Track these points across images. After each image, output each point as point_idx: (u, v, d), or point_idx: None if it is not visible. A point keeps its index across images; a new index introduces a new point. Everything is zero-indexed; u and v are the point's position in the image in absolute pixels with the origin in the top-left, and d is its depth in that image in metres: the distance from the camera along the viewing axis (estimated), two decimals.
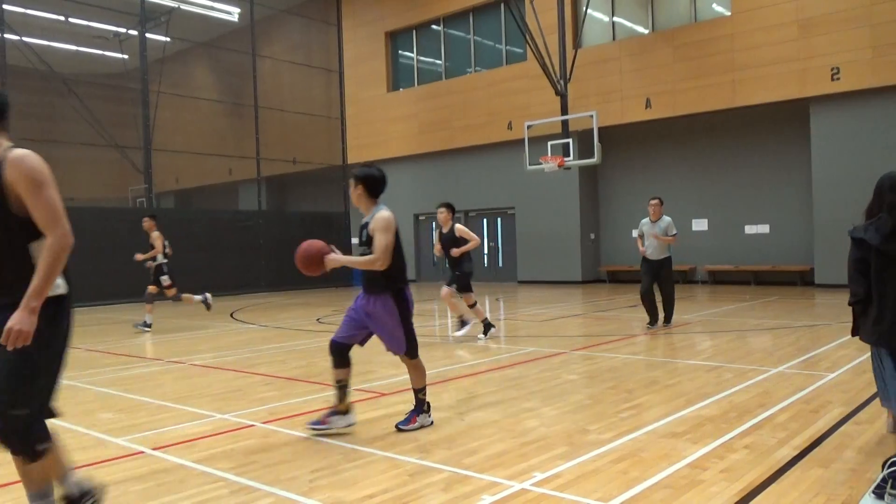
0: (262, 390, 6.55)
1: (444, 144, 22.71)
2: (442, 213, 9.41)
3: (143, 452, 4.51)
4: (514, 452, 4.26)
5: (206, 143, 23.51)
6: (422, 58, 24.02)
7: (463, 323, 9.65)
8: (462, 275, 9.37)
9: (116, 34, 23.11)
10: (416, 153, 23.49)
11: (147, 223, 11.91)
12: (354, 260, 4.76)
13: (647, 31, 19.12)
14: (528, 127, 17.22)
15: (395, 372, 7.20)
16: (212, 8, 22.35)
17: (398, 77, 24.63)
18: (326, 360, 8.04)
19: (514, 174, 20.70)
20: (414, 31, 23.96)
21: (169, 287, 11.76)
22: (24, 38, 19.54)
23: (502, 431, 4.74)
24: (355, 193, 4.90)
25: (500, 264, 22.78)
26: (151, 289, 11.75)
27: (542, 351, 8.30)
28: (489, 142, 21.63)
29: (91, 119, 21.19)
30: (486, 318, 9.62)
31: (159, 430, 5.14)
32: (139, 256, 11.84)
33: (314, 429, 4.77)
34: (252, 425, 5.13)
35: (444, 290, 9.54)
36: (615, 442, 4.40)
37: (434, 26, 23.45)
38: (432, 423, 4.96)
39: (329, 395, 6.07)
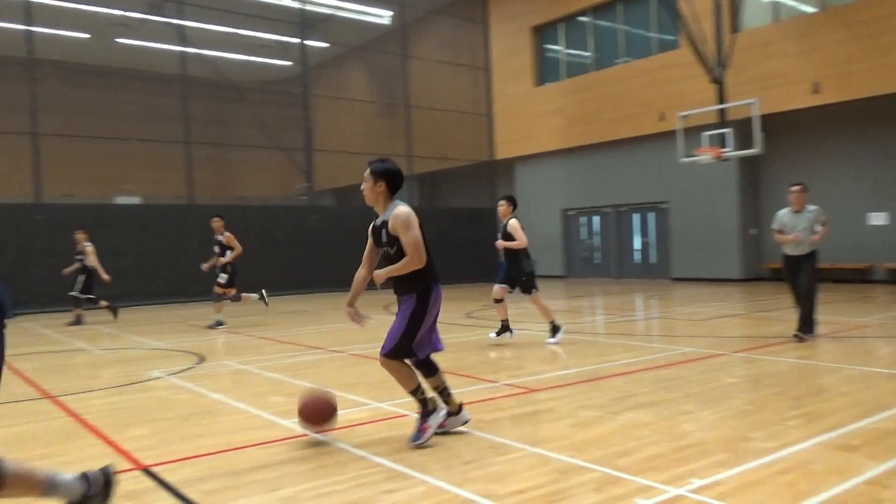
0: None
1: (593, 138, 22.27)
2: (501, 206, 9.06)
3: (307, 435, 4.80)
4: (670, 456, 4.12)
5: (361, 142, 24.54)
6: (569, 50, 23.69)
7: (555, 329, 8.94)
8: (521, 274, 8.92)
9: (280, 43, 24.65)
10: (564, 147, 23.21)
11: (217, 223, 12.13)
12: (394, 267, 4.53)
13: (814, 10, 17.69)
14: (683, 117, 16.50)
15: (544, 368, 7.19)
16: (365, 13, 23.31)
17: (545, 71, 24.44)
18: (475, 355, 8.23)
19: (667, 167, 19.92)
20: (561, 24, 23.67)
21: (227, 287, 12.02)
22: (202, 52, 21.32)
23: (657, 434, 4.60)
24: (375, 190, 4.59)
25: (653, 260, 22.02)
26: (217, 289, 12.06)
27: (699, 352, 7.95)
28: (640, 134, 20.95)
29: (259, 123, 22.78)
30: (506, 320, 8.96)
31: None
32: (222, 260, 11.99)
33: (419, 444, 4.50)
34: (406, 415, 5.31)
35: (496, 288, 9.05)
36: (781, 452, 4.13)
37: (581, 18, 23.04)
38: (446, 414, 4.68)
39: (476, 389, 6.18)
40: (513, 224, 8.92)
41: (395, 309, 4.75)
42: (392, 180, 4.59)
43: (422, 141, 23.61)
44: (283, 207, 22.50)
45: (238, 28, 22.36)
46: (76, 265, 13.30)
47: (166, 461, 4.33)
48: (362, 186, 4.65)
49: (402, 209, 4.50)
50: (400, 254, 4.51)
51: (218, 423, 5.35)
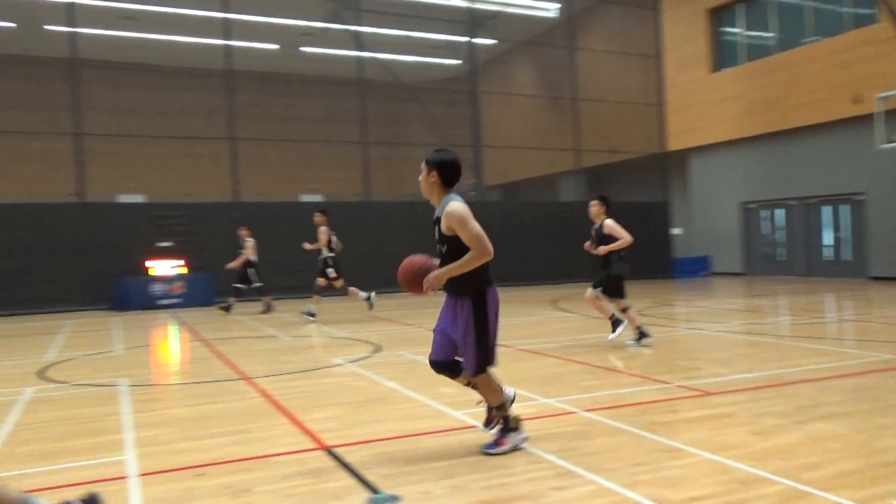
0: (584, 378, 6.69)
1: (775, 125, 20.71)
2: (593, 207, 8.64)
3: (476, 427, 4.92)
4: (866, 473, 3.77)
5: (528, 137, 24.60)
6: (749, 32, 22.17)
7: (615, 324, 8.49)
8: (611, 277, 8.47)
9: (449, 42, 25.25)
10: (743, 136, 21.80)
11: (318, 218, 12.68)
12: (456, 265, 4.16)
13: None
14: (882, 99, 14.91)
15: (721, 370, 6.84)
16: (532, 7, 23.27)
17: (721, 56, 23.06)
18: (648, 354, 7.99)
19: (863, 155, 18.11)
20: (740, 5, 22.21)
21: (335, 279, 12.50)
22: (377, 55, 22.36)
23: (850, 447, 4.23)
24: (428, 181, 4.33)
25: (846, 257, 20.12)
26: (320, 281, 12.49)
27: None
28: (830, 119, 19.19)
29: (429, 121, 23.50)
30: (641, 326, 8.59)
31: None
32: (307, 246, 12.72)
33: (487, 453, 4.30)
34: (574, 412, 5.28)
35: (588, 292, 8.61)
36: None
37: None
38: (525, 438, 4.43)
39: (647, 389, 6.00)
40: (609, 224, 8.48)
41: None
42: (446, 171, 4.32)
43: (590, 134, 23.20)
44: None
45: (410, 31, 23.21)
46: (243, 258, 14.56)
47: (346, 443, 4.62)
48: (420, 177, 4.41)
49: (454, 205, 4.19)
50: (451, 254, 4.20)
51: (392, 410, 5.62)
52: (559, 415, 5.27)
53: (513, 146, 23.95)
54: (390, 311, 14.19)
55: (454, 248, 4.18)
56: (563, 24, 23.67)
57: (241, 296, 14.89)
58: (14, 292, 16.05)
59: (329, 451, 4.45)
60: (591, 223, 8.77)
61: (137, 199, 21.15)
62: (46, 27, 20.05)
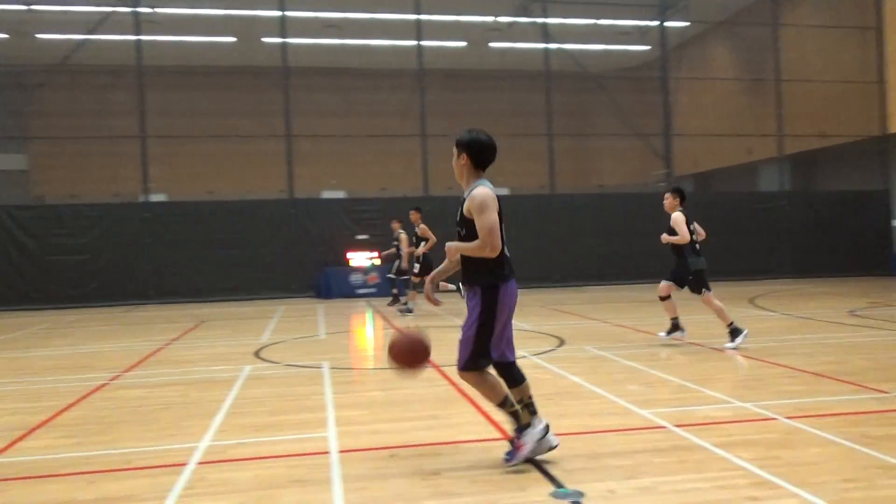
0: (786, 383, 6.21)
1: None
2: (668, 199, 8.39)
3: (665, 427, 4.76)
4: None
5: (723, 124, 23.11)
6: None
7: (734, 332, 8.08)
8: (687, 273, 8.28)
9: (638, 28, 24.37)
10: None
11: (413, 216, 13.12)
12: (464, 245, 4.05)
13: None
14: None
15: None
16: None
17: None
18: (861, 359, 7.23)
19: None
20: None
21: (417, 276, 12.95)
22: (563, 46, 22.14)
23: None
24: (458, 164, 4.17)
25: None
26: (414, 278, 12.96)
27: None
28: None
29: (616, 111, 22.89)
30: (676, 318, 8.55)
31: (681, 408, 5.34)
32: (420, 250, 13.00)
33: (509, 462, 4.08)
34: (774, 418, 4.93)
35: (662, 284, 8.58)
36: None
37: None
38: (545, 429, 4.10)
39: (862, 398, 5.44)
40: (675, 217, 8.22)
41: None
42: (476, 152, 4.14)
43: (795, 117, 21.33)
44: (641, 195, 22.34)
45: (598, 18, 22.71)
46: (392, 250, 15.00)
47: None
48: (452, 161, 4.24)
49: (480, 190, 4.03)
50: (467, 239, 4.07)
51: (577, 405, 5.59)
52: (757, 420, 4.94)
53: (707, 133, 22.61)
54: (576, 306, 14.08)
55: (472, 232, 4.03)
56: (765, 1, 21.93)
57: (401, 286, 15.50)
58: (234, 280, 17.91)
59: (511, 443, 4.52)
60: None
61: (339, 194, 22.72)
62: (263, 39, 22.08)
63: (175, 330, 11.76)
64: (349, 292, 17.91)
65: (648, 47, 24.77)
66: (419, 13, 19.89)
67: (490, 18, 22.49)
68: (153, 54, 19.47)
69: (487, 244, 3.93)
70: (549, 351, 8.30)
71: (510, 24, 22.39)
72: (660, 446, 4.37)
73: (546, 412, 5.31)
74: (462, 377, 4.21)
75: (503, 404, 4.15)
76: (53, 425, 5.39)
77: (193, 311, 15.00)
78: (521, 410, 4.15)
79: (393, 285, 15.34)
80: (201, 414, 5.58)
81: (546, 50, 21.00)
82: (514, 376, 4.21)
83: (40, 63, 22.12)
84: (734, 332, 8.08)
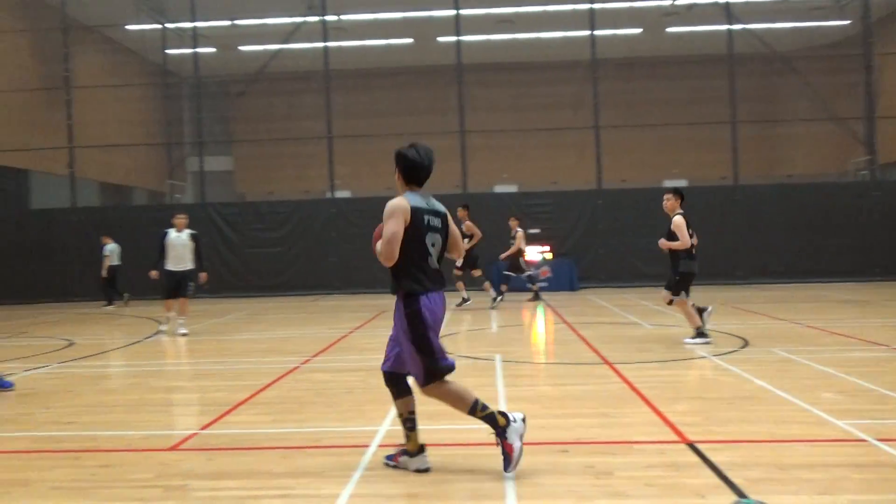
0: None
1: None
2: (668, 200, 8.45)
3: (865, 441, 4.35)
4: None
5: None
6: None
7: (700, 335, 8.38)
8: (681, 275, 8.32)
9: (836, 1, 22.21)
10: None
11: (461, 213, 13.51)
12: (379, 245, 4.03)
13: None
14: None
15: None
16: None
17: None
18: None
19: None
20: None
21: (472, 269, 13.65)
22: (748, 26, 20.71)
23: None
24: (396, 178, 4.18)
25: None
26: (457, 272, 13.60)
27: None
28: None
29: (809, 94, 21.05)
30: (700, 327, 8.41)
31: (883, 420, 4.85)
32: (466, 246, 12.85)
33: (387, 464, 4.14)
34: None
35: (663, 293, 8.56)
36: None
37: None
38: (522, 423, 3.94)
39: None
40: (676, 221, 8.28)
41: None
42: (403, 167, 4.14)
43: None
44: (837, 185, 20.40)
45: None
46: (513, 249, 14.90)
47: (710, 440, 4.46)
48: None
49: (393, 201, 4.01)
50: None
51: (762, 410, 5.24)
52: None
53: None
54: (760, 305, 13.18)
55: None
56: None
57: (511, 284, 15.32)
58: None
59: (691, 446, 4.35)
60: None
61: (511, 188, 22.90)
62: (438, 39, 22.74)
63: (357, 319, 12.48)
64: (521, 286, 17.99)
65: (847, 22, 22.51)
66: (593, 2, 19.50)
67: (667, 2, 21.55)
68: (338, 59, 20.69)
69: (382, 253, 3.95)
70: (732, 352, 7.85)
71: (689, 7, 21.30)
72: (860, 461, 4.00)
73: (727, 416, 5.06)
74: (426, 393, 4.09)
75: (473, 410, 4.00)
76: (253, 403, 5.95)
77: (375, 302, 15.81)
78: (406, 426, 4.13)
79: (532, 280, 15.42)
80: (380, 399, 5.89)
81: (729, 31, 19.76)
82: (401, 388, 4.18)
83: (242, 73, 24.32)
84: (700, 335, 8.36)
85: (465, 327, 10.91)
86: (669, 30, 23.40)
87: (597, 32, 19.66)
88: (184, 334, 10.66)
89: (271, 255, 18.90)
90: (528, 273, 15.40)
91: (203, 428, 5.14)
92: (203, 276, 10.92)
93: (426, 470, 4.04)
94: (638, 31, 23.67)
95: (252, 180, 26.90)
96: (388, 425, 5.05)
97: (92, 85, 20.76)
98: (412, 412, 4.16)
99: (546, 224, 18.63)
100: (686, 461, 4.09)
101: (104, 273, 16.41)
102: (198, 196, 21.54)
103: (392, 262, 3.96)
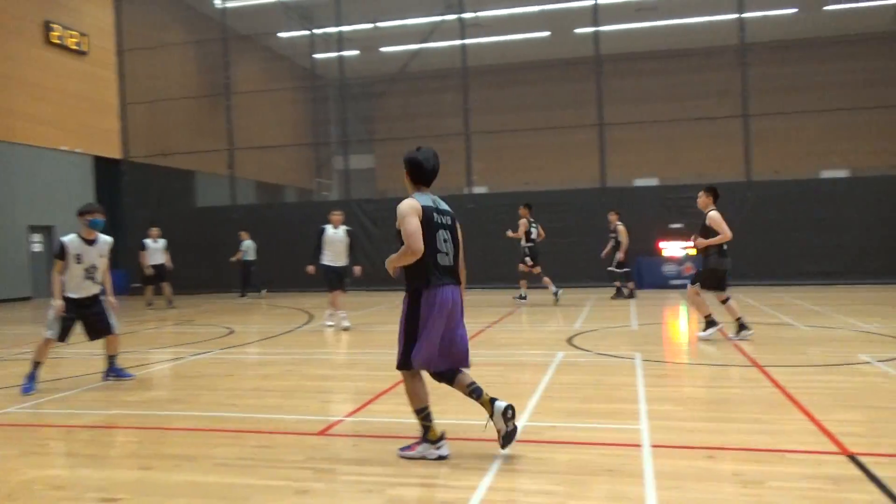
0: None
1: None
2: (701, 198, 8.72)
3: None
4: None
5: None
6: None
7: (709, 324, 8.62)
8: (709, 271, 8.52)
9: None
10: None
11: (522, 211, 14.07)
12: (394, 256, 4.29)
13: None
14: None
15: None
16: None
17: None
18: None
19: None
20: None
21: (532, 267, 14.09)
22: None
23: None
24: (405, 179, 4.49)
25: None
26: (522, 267, 14.21)
27: None
28: None
29: None
30: (741, 318, 8.56)
31: None
32: (509, 233, 14.47)
33: (402, 455, 4.34)
34: None
35: (689, 288, 8.78)
36: None
37: None
38: (440, 458, 4.21)
39: None
40: (714, 216, 8.43)
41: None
42: (411, 170, 4.50)
43: None
44: None
45: None
46: (611, 244, 14.70)
47: (876, 453, 4.12)
48: None
49: (404, 202, 4.31)
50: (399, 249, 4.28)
51: None
52: None
53: None
54: None
55: (401, 242, 4.24)
56: None
57: (621, 280, 15.03)
58: (561, 268, 18.44)
59: (853, 458, 4.04)
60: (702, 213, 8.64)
61: (651, 182, 22.17)
62: (576, 31, 22.40)
63: (495, 314, 12.58)
64: (662, 283, 17.40)
65: None
66: None
67: None
68: (476, 56, 20.89)
69: (410, 248, 4.17)
70: None
71: None
72: None
73: (895, 428, 4.64)
74: (399, 370, 4.42)
75: (420, 412, 4.35)
76: (394, 393, 6.16)
77: (512, 297, 15.84)
78: (430, 423, 4.36)
79: (614, 278, 14.98)
80: (518, 395, 5.92)
81: None
82: (447, 377, 4.41)
83: (383, 73, 25.16)
84: (710, 324, 8.58)
85: (604, 324, 10.70)
86: (828, 8, 21.67)
87: (746, 15, 18.57)
88: (346, 328, 10.83)
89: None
90: (626, 269, 15.24)
91: (348, 415, 5.40)
92: (358, 269, 11.23)
93: (447, 457, 4.27)
94: (792, 11, 22.13)
95: (393, 177, 27.68)
96: (525, 420, 5.07)
97: (248, 90, 22.25)
98: (472, 384, 4.42)
99: (689, 219, 17.86)
100: (846, 474, 3.80)
101: (238, 266, 17.84)
102: (342, 193, 22.54)
103: (421, 253, 4.19)
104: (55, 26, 22.25)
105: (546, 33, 24.18)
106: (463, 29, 20.12)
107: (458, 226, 4.54)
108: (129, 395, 6.54)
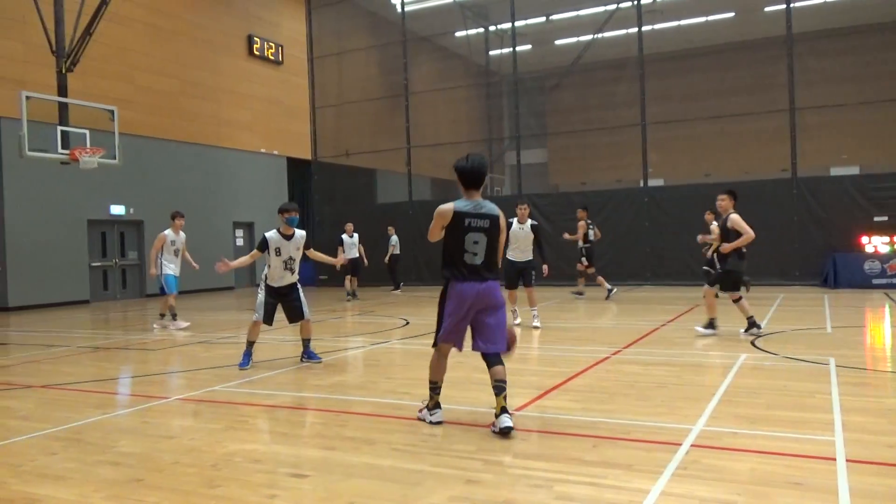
0: None
1: None
2: (722, 201, 8.93)
3: None
4: None
5: None
6: None
7: (709, 325, 8.95)
8: (727, 273, 8.84)
9: None
10: None
11: (581, 213, 15.09)
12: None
13: None
14: None
15: None
16: None
17: None
18: None
19: None
20: None
21: (587, 267, 15.03)
22: None
23: None
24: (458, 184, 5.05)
25: None
26: (579, 266, 15.18)
27: None
28: None
29: None
30: (752, 317, 8.84)
31: None
32: (566, 236, 15.36)
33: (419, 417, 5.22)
34: None
35: (705, 288, 9.16)
36: None
37: None
38: (435, 423, 5.02)
39: None
40: (735, 219, 8.68)
41: None
42: (460, 176, 4.98)
43: None
44: None
45: None
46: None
47: None
48: None
49: (441, 205, 4.94)
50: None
51: None
52: None
53: None
54: None
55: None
56: None
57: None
58: (759, 264, 17.42)
59: None
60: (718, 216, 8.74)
61: (851, 170, 20.17)
62: (766, 9, 20.85)
63: (670, 312, 12.09)
64: (862, 282, 15.77)
65: None
66: None
67: None
68: (652, 43, 20.11)
69: (428, 235, 5.15)
70: None
71: None
72: None
73: None
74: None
75: (431, 383, 5.15)
76: (564, 389, 6.14)
77: (688, 294, 15.15)
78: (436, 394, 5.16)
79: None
80: (694, 397, 5.67)
81: None
82: (488, 359, 5.00)
83: (556, 66, 24.96)
84: (710, 325, 8.96)
85: (793, 325, 9.92)
86: None
87: None
88: (535, 327, 10.39)
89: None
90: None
91: (518, 409, 5.46)
92: (545, 268, 10.64)
93: (440, 423, 5.05)
94: None
95: (565, 171, 27.48)
96: (702, 424, 4.85)
97: (425, 90, 23.03)
98: (499, 382, 4.89)
99: (894, 211, 16.09)
100: None
101: (387, 260, 18.57)
102: (515, 188, 22.67)
103: (433, 241, 5.14)
104: (257, 39, 24.36)
105: (730, 14, 22.73)
106: (640, 16, 19.44)
107: (500, 228, 5.03)
108: (316, 379, 7.06)
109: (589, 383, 6.41)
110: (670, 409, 5.37)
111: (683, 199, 18.15)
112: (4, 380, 7.70)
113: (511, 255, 10.41)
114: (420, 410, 5.22)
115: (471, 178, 4.94)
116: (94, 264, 19.58)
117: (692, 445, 4.38)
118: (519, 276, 10.49)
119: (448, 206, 4.91)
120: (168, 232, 12.03)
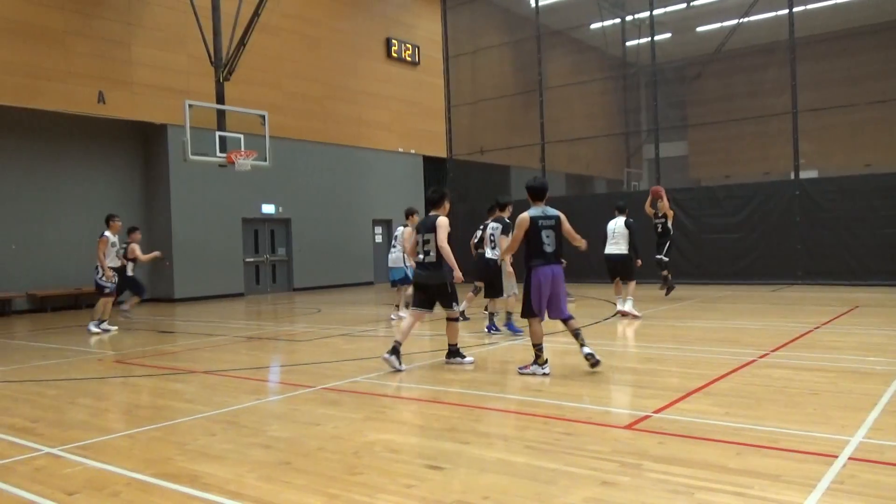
0: None
1: None
2: None
3: None
4: None
5: None
6: None
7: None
8: None
9: None
10: None
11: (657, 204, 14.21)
12: (505, 245, 8.50)
13: None
14: None
15: None
16: None
17: None
18: None
19: None
20: None
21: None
22: None
23: None
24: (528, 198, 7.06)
25: None
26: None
27: None
28: None
29: None
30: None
31: None
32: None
33: (520, 372, 6.93)
34: None
35: None
36: None
37: None
38: (545, 374, 6.79)
39: None
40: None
41: None
42: (528, 192, 7.02)
43: None
44: None
45: None
46: None
47: None
48: None
49: (520, 215, 6.91)
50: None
51: None
52: None
53: None
54: None
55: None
56: None
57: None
58: (895, 262, 15.97)
59: None
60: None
61: None
62: None
63: (825, 313, 11.25)
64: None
65: None
66: None
67: None
68: (804, 24, 18.77)
69: (508, 248, 7.76)
70: None
71: None
72: None
73: None
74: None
75: (535, 346, 6.88)
76: (706, 392, 5.89)
77: (845, 295, 14.04)
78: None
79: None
80: (852, 406, 5.27)
81: None
82: (564, 324, 7.02)
83: (697, 54, 23.88)
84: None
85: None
86: None
87: None
88: (624, 313, 11.54)
89: (727, 241, 18.15)
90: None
91: (656, 411, 5.30)
92: (638, 262, 11.77)
93: (548, 374, 6.75)
94: None
95: (707, 164, 26.27)
96: (861, 436, 4.49)
97: (560, 84, 22.77)
98: (577, 330, 6.97)
99: None
100: None
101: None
102: (653, 182, 21.94)
103: (512, 252, 7.77)
104: (395, 41, 25.09)
105: None
106: None
107: (562, 222, 6.94)
108: (452, 374, 7.21)
109: (733, 387, 6.11)
110: (825, 417, 5.02)
111: (840, 192, 16.80)
112: (172, 365, 8.45)
113: (606, 249, 11.86)
114: (525, 367, 6.88)
115: (538, 192, 6.97)
116: (247, 260, 20.99)
117: (850, 458, 4.07)
118: (613, 269, 11.84)
119: (525, 216, 6.78)
120: (108, 234, 12.08)
